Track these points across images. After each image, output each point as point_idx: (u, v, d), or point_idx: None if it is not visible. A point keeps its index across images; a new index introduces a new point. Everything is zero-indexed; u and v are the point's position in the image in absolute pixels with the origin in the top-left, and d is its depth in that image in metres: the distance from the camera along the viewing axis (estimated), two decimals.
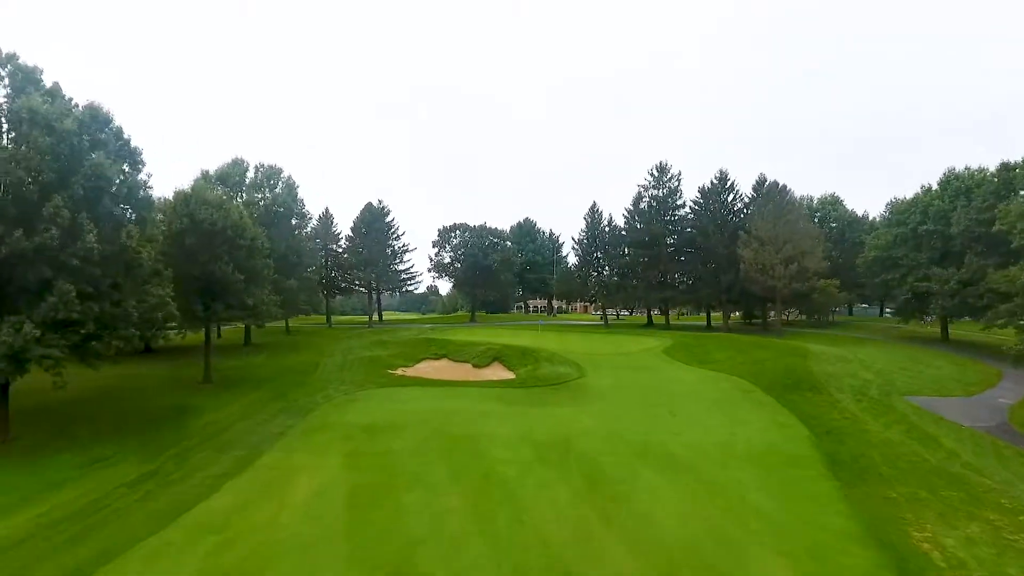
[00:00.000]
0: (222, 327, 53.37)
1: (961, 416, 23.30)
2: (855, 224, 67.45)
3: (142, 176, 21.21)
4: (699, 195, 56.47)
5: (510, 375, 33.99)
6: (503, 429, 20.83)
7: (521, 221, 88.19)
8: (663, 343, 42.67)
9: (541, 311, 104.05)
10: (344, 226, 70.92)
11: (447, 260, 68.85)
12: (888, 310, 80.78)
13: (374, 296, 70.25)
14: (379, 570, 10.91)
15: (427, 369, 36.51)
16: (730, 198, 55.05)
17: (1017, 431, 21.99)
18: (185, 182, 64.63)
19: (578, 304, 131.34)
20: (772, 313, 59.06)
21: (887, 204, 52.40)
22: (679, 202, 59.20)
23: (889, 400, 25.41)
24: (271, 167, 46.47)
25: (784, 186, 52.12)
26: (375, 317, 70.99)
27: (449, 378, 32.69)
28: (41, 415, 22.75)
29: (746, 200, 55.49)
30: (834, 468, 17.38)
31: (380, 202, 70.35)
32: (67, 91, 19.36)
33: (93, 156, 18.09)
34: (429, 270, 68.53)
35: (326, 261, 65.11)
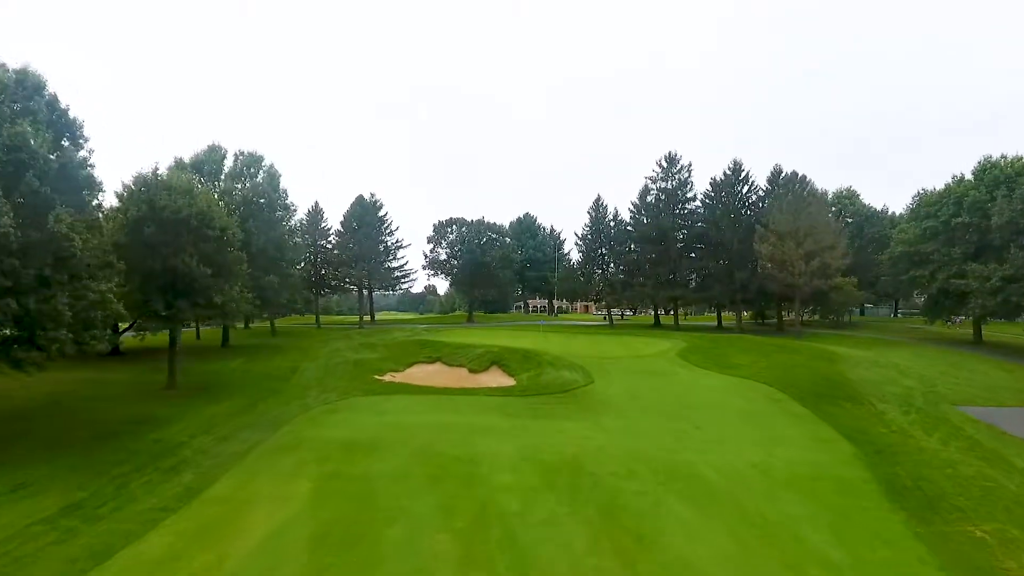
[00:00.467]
0: (201, 327, 50.89)
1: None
2: (873, 219, 65.06)
3: (83, 153, 18.58)
4: (711, 187, 54.05)
5: (510, 381, 31.44)
6: (503, 447, 18.27)
7: (521, 216, 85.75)
8: (676, 345, 40.13)
9: (541, 311, 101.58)
10: (337, 221, 68.39)
11: (443, 257, 66.32)
12: (901, 310, 78.71)
13: (366, 295, 67.55)
14: None
15: (418, 374, 33.93)
16: (744, 190, 52.59)
17: None
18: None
19: (579, 304, 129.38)
20: (787, 313, 56.73)
21: (913, 196, 49.99)
22: (689, 195, 56.73)
23: (939, 411, 22.92)
24: (251, 154, 43.84)
25: (803, 176, 49.80)
26: (367, 317, 68.35)
27: (442, 385, 30.12)
28: None
29: (761, 192, 53.05)
30: (896, 496, 14.89)
31: (372, 195, 67.83)
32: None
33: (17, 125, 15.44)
34: (424, 267, 66.21)
35: (315, 258, 62.51)
